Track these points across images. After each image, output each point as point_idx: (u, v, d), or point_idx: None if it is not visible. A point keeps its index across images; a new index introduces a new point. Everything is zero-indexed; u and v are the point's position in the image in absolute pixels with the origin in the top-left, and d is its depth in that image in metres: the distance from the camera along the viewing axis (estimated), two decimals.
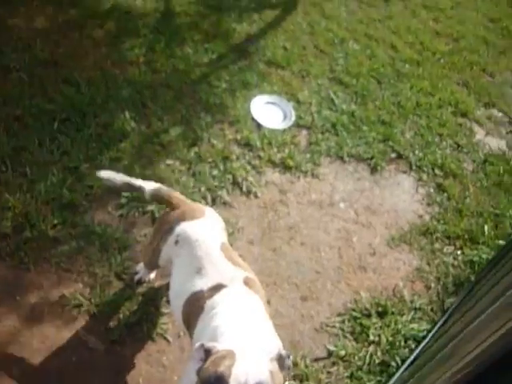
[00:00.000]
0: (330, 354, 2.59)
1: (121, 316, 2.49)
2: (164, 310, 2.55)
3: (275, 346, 1.67)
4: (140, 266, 2.61)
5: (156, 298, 2.59)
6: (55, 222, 2.77)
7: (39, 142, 3.11)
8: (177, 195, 2.29)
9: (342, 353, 2.59)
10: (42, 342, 2.38)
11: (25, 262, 2.62)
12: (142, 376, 2.33)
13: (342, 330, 2.69)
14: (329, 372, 2.53)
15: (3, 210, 2.79)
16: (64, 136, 3.16)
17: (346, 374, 2.53)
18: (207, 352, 1.52)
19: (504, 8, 6.53)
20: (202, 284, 1.90)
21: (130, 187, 2.35)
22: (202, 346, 1.53)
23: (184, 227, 2.08)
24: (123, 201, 2.95)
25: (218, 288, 1.87)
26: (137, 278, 2.61)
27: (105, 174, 2.34)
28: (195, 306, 1.86)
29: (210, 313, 1.80)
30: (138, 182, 2.32)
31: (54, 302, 2.51)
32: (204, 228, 2.09)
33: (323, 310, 2.76)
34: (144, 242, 2.79)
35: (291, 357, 1.60)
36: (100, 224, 2.82)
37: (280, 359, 1.55)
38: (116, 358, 2.38)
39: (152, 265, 2.42)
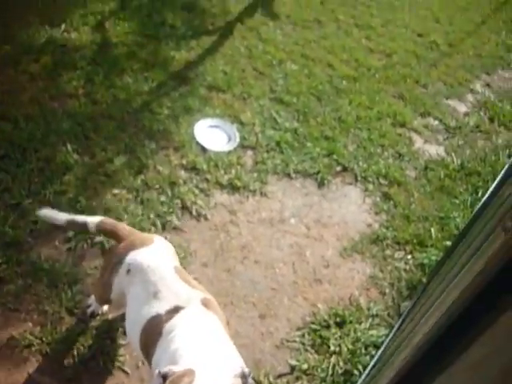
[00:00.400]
0: (292, 369, 2.58)
1: (75, 352, 2.40)
2: (121, 341, 2.48)
3: (237, 364, 1.63)
4: (92, 299, 2.53)
5: (111, 329, 2.52)
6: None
7: None
8: (123, 226, 2.25)
9: (305, 366, 2.58)
10: None
11: None
12: None
13: (303, 343, 2.69)
14: None
15: None
16: (3, 173, 3.07)
17: None
18: (164, 377, 1.48)
19: (431, 23, 6.88)
20: (159, 308, 1.85)
21: (73, 225, 2.28)
22: (159, 373, 1.49)
23: (134, 255, 2.04)
24: (70, 234, 2.87)
25: (175, 310, 1.83)
26: (89, 311, 2.52)
27: (44, 213, 2.28)
28: (153, 332, 1.81)
29: (168, 336, 1.76)
30: (81, 218, 2.26)
31: (1, 345, 2.39)
32: (155, 253, 2.06)
33: (282, 325, 2.76)
34: (95, 274, 2.72)
35: (252, 375, 1.58)
36: (47, 260, 2.73)
37: (243, 377, 1.52)
38: None
39: (103, 300, 2.36)
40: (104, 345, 2.45)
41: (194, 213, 3.18)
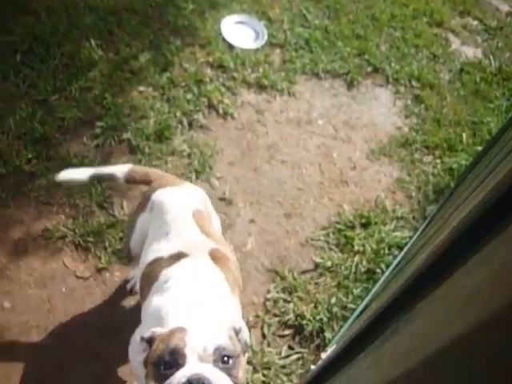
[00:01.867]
0: (316, 266, 2.64)
1: (106, 244, 2.49)
2: None
3: (231, 320, 1.49)
4: (132, 274, 2.38)
5: None
6: (29, 156, 2.70)
7: (3, 75, 2.98)
8: (154, 170, 2.12)
9: (329, 264, 2.64)
10: (30, 274, 2.38)
11: (2, 199, 2.57)
12: (133, 299, 2.37)
13: (327, 242, 2.74)
14: (316, 283, 2.59)
15: None
16: (28, 68, 3.03)
17: (333, 284, 2.60)
18: (150, 340, 1.38)
19: None
20: (165, 250, 1.72)
21: (99, 177, 2.14)
22: (142, 339, 1.39)
23: (159, 193, 1.90)
24: (98, 131, 2.88)
25: (178, 257, 1.68)
26: (128, 286, 2.38)
27: (63, 175, 2.06)
28: (153, 273, 1.68)
29: (162, 285, 1.61)
30: (107, 170, 2.09)
31: (37, 236, 2.49)
32: (179, 194, 1.92)
33: (307, 225, 2.79)
34: None
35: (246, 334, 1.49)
36: (76, 156, 2.76)
37: (236, 332, 1.43)
38: (105, 284, 2.40)
39: (128, 245, 2.08)
40: None
41: (221, 111, 3.13)
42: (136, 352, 1.42)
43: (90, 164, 2.73)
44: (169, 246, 1.72)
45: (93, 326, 2.25)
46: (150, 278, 1.67)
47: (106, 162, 2.77)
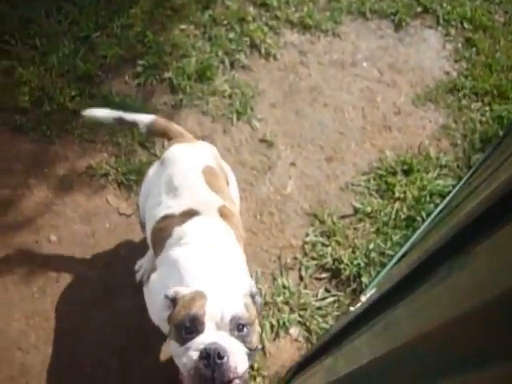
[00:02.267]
0: (356, 211, 2.63)
1: None
2: None
3: (247, 283, 1.56)
4: (139, 264, 2.31)
5: None
6: (73, 94, 2.73)
7: (45, 12, 2.97)
8: (175, 126, 2.09)
9: (368, 209, 2.62)
10: (75, 210, 2.45)
11: (48, 136, 2.62)
12: None
13: (368, 188, 2.71)
14: (355, 228, 2.58)
15: (19, 85, 2.74)
16: (70, 5, 3.01)
17: (372, 230, 2.58)
18: (173, 300, 1.44)
19: None
20: (175, 207, 1.73)
21: (122, 122, 2.12)
22: (167, 296, 1.45)
23: (173, 148, 1.92)
24: (139, 69, 2.87)
25: (189, 214, 1.70)
26: (138, 277, 2.28)
27: (89, 112, 2.11)
28: (165, 230, 1.70)
29: (177, 242, 1.65)
30: (131, 117, 2.09)
31: (81, 173, 2.54)
32: (191, 149, 1.93)
33: (348, 169, 2.76)
34: (164, 110, 2.76)
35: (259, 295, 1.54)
36: (118, 94, 2.77)
37: (252, 296, 1.50)
38: None
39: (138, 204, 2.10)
40: None
41: (263, 51, 3.06)
42: (161, 308, 1.48)
43: (132, 103, 2.74)
44: (179, 203, 1.73)
45: (134, 259, 2.32)
46: (162, 234, 1.70)
47: (147, 100, 2.78)
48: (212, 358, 1.26)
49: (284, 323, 2.26)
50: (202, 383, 1.28)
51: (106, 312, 2.21)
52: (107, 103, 2.71)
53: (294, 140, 2.78)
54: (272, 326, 2.25)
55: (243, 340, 1.37)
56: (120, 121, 2.10)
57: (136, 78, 2.84)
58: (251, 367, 2.14)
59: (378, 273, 2.45)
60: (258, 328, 1.48)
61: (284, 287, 2.35)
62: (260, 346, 1.51)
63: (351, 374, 1.21)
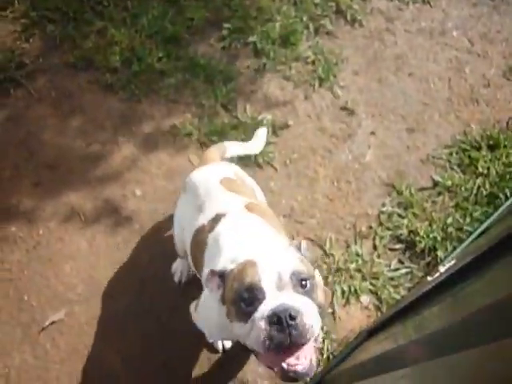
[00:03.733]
0: (435, 184, 2.57)
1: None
2: (270, 139, 2.61)
3: (290, 244, 1.49)
4: (174, 266, 2.31)
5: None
6: (160, 55, 2.81)
7: None
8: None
9: (449, 183, 2.56)
10: (159, 167, 2.56)
11: (136, 95, 2.73)
12: None
13: (449, 161, 2.64)
14: (434, 201, 2.53)
15: (111, 45, 2.85)
16: None
17: (451, 204, 2.53)
18: (221, 277, 1.36)
19: None
20: (203, 219, 1.71)
21: None
22: (213, 272, 1.37)
23: (192, 174, 1.94)
24: (224, 33, 2.90)
25: (217, 218, 1.66)
26: (176, 279, 2.29)
27: None
28: (200, 242, 1.68)
29: (214, 245, 1.60)
30: None
31: (165, 131, 2.64)
32: (208, 168, 1.95)
33: (430, 141, 2.69)
34: (247, 74, 2.80)
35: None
36: (203, 56, 2.83)
37: (299, 251, 1.40)
38: None
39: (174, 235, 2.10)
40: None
41: (349, 18, 3.01)
42: (212, 290, 1.38)
43: (217, 65, 2.79)
44: (206, 215, 1.72)
45: None
46: (199, 247, 1.67)
47: (230, 63, 2.82)
48: (284, 320, 1.14)
49: (355, 290, 2.28)
50: (281, 351, 1.18)
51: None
52: (193, 65, 2.79)
53: (376, 109, 2.74)
54: (343, 292, 2.28)
55: (310, 296, 1.24)
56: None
57: (221, 41, 2.89)
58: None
59: (455, 248, 2.40)
60: (320, 281, 1.36)
61: (357, 255, 2.36)
62: (324, 302, 1.32)
63: (418, 341, 1.22)
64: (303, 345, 1.19)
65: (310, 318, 1.18)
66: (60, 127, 2.67)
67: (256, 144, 2.32)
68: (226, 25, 2.91)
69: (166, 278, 2.28)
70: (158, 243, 2.37)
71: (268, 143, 2.59)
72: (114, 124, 2.67)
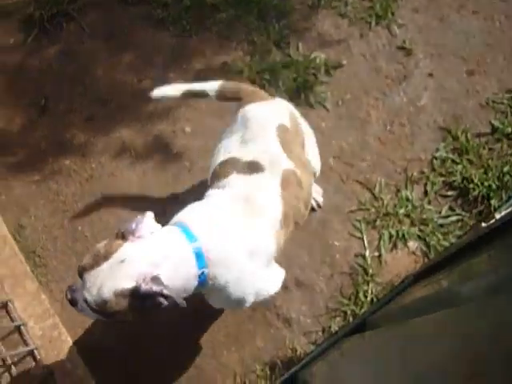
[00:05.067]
0: (494, 130, 2.46)
1: (280, 83, 2.53)
2: (322, 78, 2.54)
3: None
4: None
5: (312, 68, 2.57)
6: None
7: None
8: (246, 86, 1.96)
9: (508, 130, 2.43)
10: (208, 104, 2.51)
11: (187, 30, 2.70)
12: None
13: (511, 107, 2.51)
14: (491, 148, 2.43)
15: None
16: None
17: (509, 152, 2.42)
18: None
19: None
20: (241, 154, 1.67)
21: (191, 94, 1.98)
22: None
23: (246, 108, 1.81)
24: None
25: (252, 167, 1.63)
26: None
27: (158, 92, 1.98)
28: (222, 174, 1.67)
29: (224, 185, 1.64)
30: (198, 86, 1.97)
31: (216, 69, 2.60)
32: (265, 107, 1.81)
33: (491, 85, 2.55)
34: (301, 10, 2.70)
35: None
36: None
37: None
38: None
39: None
40: (307, 80, 2.53)
41: None
42: None
43: (270, 0, 2.70)
44: (246, 151, 1.67)
45: None
46: (218, 177, 1.67)
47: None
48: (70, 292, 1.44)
49: (403, 235, 2.26)
50: None
51: None
52: (245, 1, 2.71)
53: (435, 49, 2.61)
54: (391, 237, 2.26)
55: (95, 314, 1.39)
56: (188, 93, 1.97)
57: None
58: (365, 273, 2.20)
59: (510, 198, 2.32)
60: (121, 318, 1.40)
61: (407, 200, 2.32)
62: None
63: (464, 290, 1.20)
64: None
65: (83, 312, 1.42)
66: (112, 62, 2.68)
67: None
68: None
69: None
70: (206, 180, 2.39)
71: (320, 83, 2.53)
72: (165, 60, 2.66)
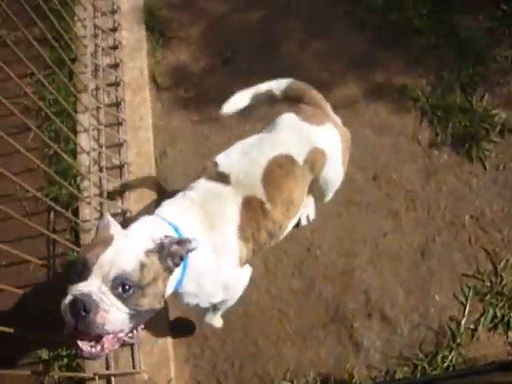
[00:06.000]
0: None
1: (450, 124, 2.48)
2: (494, 137, 2.45)
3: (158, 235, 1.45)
4: None
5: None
6: (424, 12, 2.73)
7: None
8: (314, 92, 1.89)
9: None
10: (372, 117, 2.57)
11: (382, 41, 2.72)
12: (446, 185, 2.40)
13: None
14: None
15: None
16: None
17: None
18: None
19: None
20: (232, 160, 1.71)
21: (260, 96, 1.94)
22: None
23: (284, 115, 1.80)
24: (498, 13, 2.71)
25: (221, 177, 1.68)
26: None
27: (228, 107, 1.93)
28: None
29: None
30: (264, 86, 1.93)
31: (394, 87, 2.62)
32: (303, 125, 1.75)
33: None
34: (502, 64, 2.61)
35: None
36: (465, 29, 2.68)
37: (160, 249, 1.37)
38: (431, 161, 2.46)
39: None
40: (478, 132, 2.46)
41: None
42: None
43: (475, 43, 2.67)
44: (236, 159, 1.71)
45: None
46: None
47: (490, 47, 2.67)
48: (77, 308, 1.20)
49: (508, 322, 2.14)
50: (69, 329, 1.24)
51: None
52: (450, 34, 2.71)
53: None
54: (494, 317, 2.15)
55: (127, 301, 1.25)
56: (255, 98, 1.95)
57: (490, 21, 2.72)
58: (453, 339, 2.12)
59: None
60: (158, 289, 1.34)
61: None
62: (158, 307, 1.35)
63: None
64: (96, 334, 1.24)
65: (106, 318, 1.22)
66: (302, 44, 2.78)
67: None
68: (504, 6, 2.70)
69: None
70: None
71: (490, 140, 2.45)
72: (351, 60, 2.71)
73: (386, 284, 2.22)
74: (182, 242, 1.35)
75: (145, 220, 1.51)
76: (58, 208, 1.95)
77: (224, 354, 2.17)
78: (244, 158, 1.70)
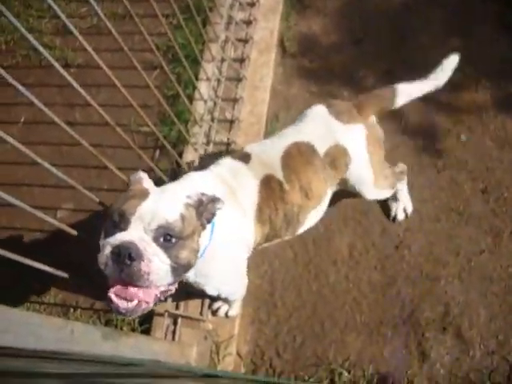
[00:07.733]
0: None
1: None
2: None
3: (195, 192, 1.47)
4: None
5: None
6: None
7: None
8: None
9: None
10: (498, 129, 2.42)
11: None
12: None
13: None
14: None
15: None
16: None
17: None
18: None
19: None
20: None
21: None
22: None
23: (319, 107, 1.85)
24: None
25: (243, 157, 1.75)
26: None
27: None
28: None
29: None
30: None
31: None
32: (336, 124, 1.77)
33: None
34: None
35: None
36: None
37: (197, 206, 1.40)
38: None
39: None
40: None
41: None
42: None
43: None
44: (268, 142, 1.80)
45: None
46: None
47: None
48: (122, 256, 1.19)
49: None
50: (113, 282, 1.24)
51: None
52: None
53: None
54: None
55: (169, 252, 1.26)
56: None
57: None
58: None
59: None
60: (195, 244, 1.35)
61: None
62: (193, 263, 1.35)
63: None
64: (138, 286, 1.23)
65: (150, 267, 1.21)
66: (438, 39, 2.66)
67: (439, 77, 1.97)
68: None
69: None
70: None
71: None
72: (488, 65, 2.56)
73: (470, 302, 2.12)
74: (215, 199, 1.39)
75: (177, 183, 1.57)
76: (168, 147, 2.01)
77: (288, 326, 2.18)
78: (269, 140, 1.80)
